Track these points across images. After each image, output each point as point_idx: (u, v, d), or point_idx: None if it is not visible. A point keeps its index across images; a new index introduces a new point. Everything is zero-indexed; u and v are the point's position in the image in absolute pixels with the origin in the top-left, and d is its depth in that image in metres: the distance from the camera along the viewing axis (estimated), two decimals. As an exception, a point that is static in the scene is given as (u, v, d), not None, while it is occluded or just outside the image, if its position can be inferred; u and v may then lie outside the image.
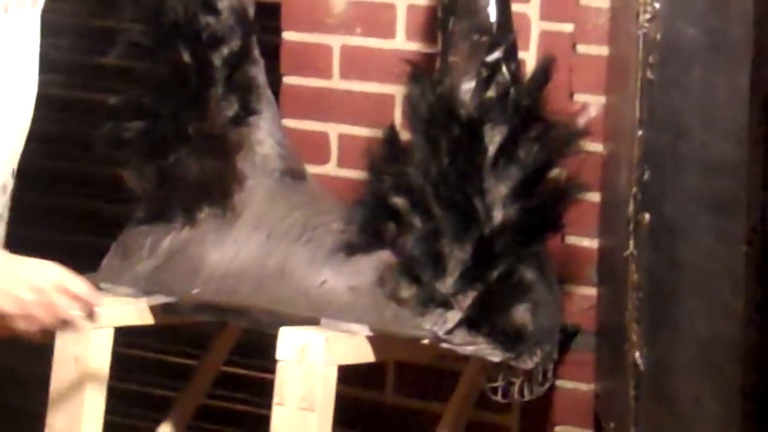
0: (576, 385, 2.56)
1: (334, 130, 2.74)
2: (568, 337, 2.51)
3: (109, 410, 2.35)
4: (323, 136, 2.75)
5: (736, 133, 1.90)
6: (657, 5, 2.06)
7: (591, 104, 2.49)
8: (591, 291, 2.55)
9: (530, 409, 2.54)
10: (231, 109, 2.47)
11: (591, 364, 2.54)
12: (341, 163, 2.73)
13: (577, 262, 2.55)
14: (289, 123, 2.72)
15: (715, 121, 1.95)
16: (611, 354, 2.40)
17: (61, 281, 1.79)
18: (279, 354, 2.14)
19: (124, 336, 2.43)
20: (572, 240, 2.55)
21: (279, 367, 2.14)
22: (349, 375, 2.33)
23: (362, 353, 2.23)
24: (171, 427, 2.64)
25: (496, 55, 2.31)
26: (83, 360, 2.27)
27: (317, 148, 2.74)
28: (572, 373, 2.55)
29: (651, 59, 2.06)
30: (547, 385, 2.38)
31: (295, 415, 2.12)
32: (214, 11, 2.46)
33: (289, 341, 2.14)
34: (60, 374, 2.29)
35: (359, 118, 2.68)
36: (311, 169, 2.67)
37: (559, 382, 2.55)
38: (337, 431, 2.23)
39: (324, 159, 2.75)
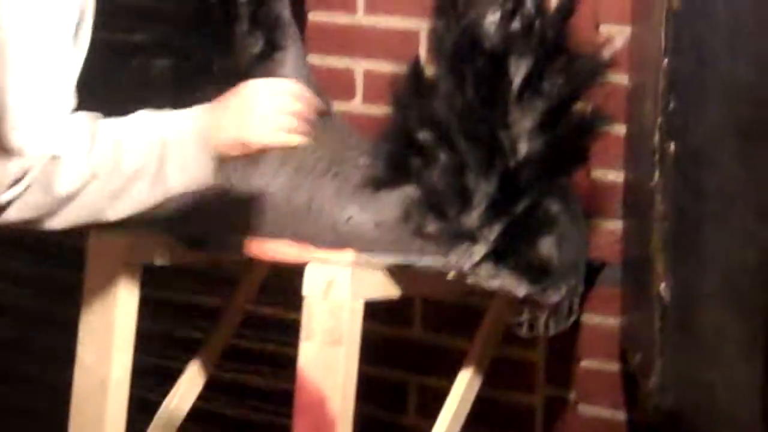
0: (602, 319, 2.57)
1: (359, 66, 2.75)
2: (593, 271, 2.51)
3: (138, 350, 2.37)
4: (349, 73, 2.75)
5: (761, 59, 1.88)
6: (682, -69, 2.05)
7: (616, 35, 2.48)
8: (616, 224, 2.55)
9: (556, 343, 2.56)
10: (256, 46, 2.45)
11: (617, 297, 2.55)
12: (367, 100, 2.73)
13: (602, 196, 2.56)
14: (315, 60, 2.72)
15: (740, 49, 1.94)
16: (636, 287, 2.40)
17: (277, 87, 2.06)
18: (305, 289, 2.15)
19: (153, 276, 2.45)
20: (597, 173, 2.55)
21: (305, 302, 2.15)
22: (375, 311, 2.36)
23: (388, 288, 2.24)
24: (200, 366, 2.65)
25: (521, -15, 2.31)
26: (112, 297, 2.28)
27: (343, 84, 2.74)
28: (598, 307, 2.56)
29: (676, -13, 2.05)
30: (573, 319, 2.39)
31: (322, 350, 2.13)
32: (237, -57, 2.45)
33: (316, 276, 2.15)
34: (90, 311, 2.30)
35: (384, 54, 2.68)
36: (337, 105, 2.66)
37: (585, 317, 2.56)
38: (363, 367, 2.25)
39: (350, 95, 2.75)
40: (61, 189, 1.85)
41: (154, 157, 1.93)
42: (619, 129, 2.48)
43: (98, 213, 1.91)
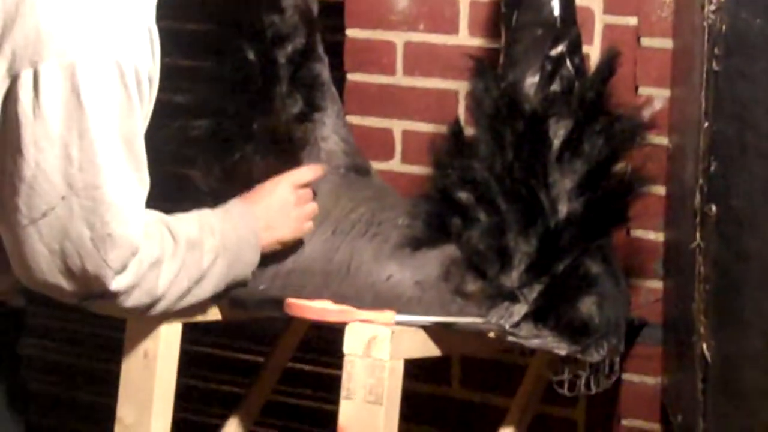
0: (643, 378, 2.56)
1: (398, 127, 2.75)
2: (634, 330, 2.50)
3: (178, 406, 2.36)
4: (388, 133, 2.76)
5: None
6: (723, -5, 2.05)
7: (656, 97, 2.48)
8: (657, 284, 2.54)
9: (597, 402, 2.54)
10: (296, 106, 2.47)
11: (658, 357, 2.54)
12: (405, 159, 2.74)
13: (642, 255, 2.55)
14: (354, 120, 2.73)
15: (782, 113, 1.94)
16: (678, 347, 2.39)
17: (295, 181, 2.29)
18: (346, 348, 2.13)
19: (193, 332, 2.45)
20: (638, 233, 2.54)
21: (346, 360, 2.13)
22: (415, 369, 2.35)
23: (428, 347, 2.22)
24: (239, 422, 2.65)
25: (560, 48, 2.31)
26: (152, 355, 2.27)
27: (382, 144, 2.75)
28: (639, 366, 2.55)
29: (716, 50, 2.04)
30: (614, 378, 2.37)
31: (362, 409, 2.11)
32: (279, 10, 2.46)
33: (356, 335, 2.13)
34: (130, 369, 2.29)
35: (423, 115, 2.70)
36: (376, 165, 2.68)
37: (626, 375, 2.55)
38: (403, 426, 2.24)
39: (388, 155, 2.76)
40: (159, 289, 2.04)
41: (216, 257, 2.13)
42: (660, 190, 2.47)
43: (177, 304, 2.10)
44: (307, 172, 2.33)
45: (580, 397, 2.47)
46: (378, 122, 2.76)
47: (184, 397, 2.44)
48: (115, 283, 1.95)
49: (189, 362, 2.49)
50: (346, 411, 2.14)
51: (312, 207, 2.30)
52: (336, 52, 2.73)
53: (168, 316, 2.17)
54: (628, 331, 2.43)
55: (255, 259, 2.21)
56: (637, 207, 2.39)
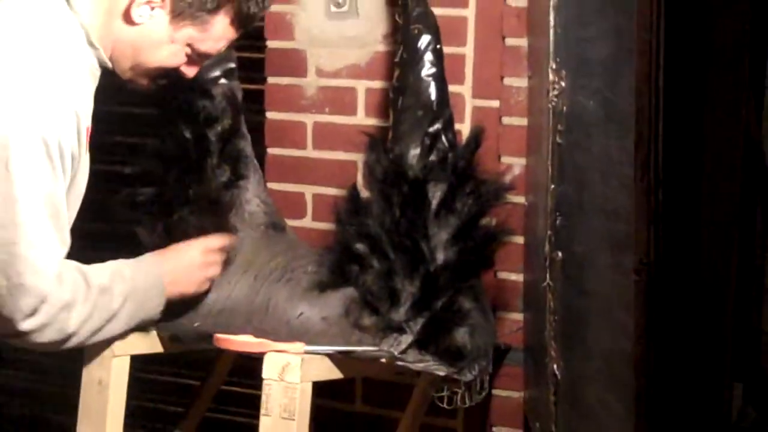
0: (508, 393, 2.55)
1: (309, 191, 2.73)
2: (500, 354, 2.49)
3: (128, 425, 2.31)
4: (300, 196, 2.73)
5: (626, 185, 1.88)
6: (563, 83, 2.06)
7: (514, 165, 2.48)
8: (518, 316, 2.54)
9: (472, 413, 2.52)
10: (224, 176, 2.43)
11: (520, 375, 2.53)
12: (315, 218, 2.71)
13: (506, 293, 2.54)
14: (273, 185, 2.70)
15: (610, 176, 1.94)
16: (535, 367, 2.38)
17: (205, 247, 2.21)
18: (264, 373, 2.10)
19: (140, 362, 2.39)
20: (502, 275, 2.54)
21: (264, 384, 2.09)
22: (324, 389, 2.31)
23: (333, 371, 2.19)
24: (181, 436, 2.60)
25: (437, 126, 2.29)
26: (105, 383, 2.22)
27: (296, 205, 2.72)
28: (505, 383, 2.54)
29: (559, 127, 2.05)
30: (485, 393, 2.34)
31: (279, 424, 2.07)
32: (210, 96, 2.43)
33: (273, 363, 2.09)
34: (87, 395, 2.24)
35: (329, 181, 2.67)
36: (291, 222, 2.64)
37: (495, 391, 2.54)
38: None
39: (301, 214, 2.73)
40: (70, 328, 1.98)
41: (125, 301, 2.07)
42: (519, 239, 2.47)
43: (89, 340, 2.05)
44: (217, 240, 2.26)
45: (458, 409, 2.45)
46: (293, 187, 2.73)
47: (133, 416, 2.38)
48: (26, 324, 1.92)
49: (138, 387, 2.42)
50: (266, 426, 2.10)
51: (215, 271, 2.24)
52: (258, 130, 2.70)
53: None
54: (496, 354, 2.42)
55: (161, 303, 2.14)
56: (501, 254, 2.39)
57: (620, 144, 1.87)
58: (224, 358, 2.62)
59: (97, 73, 2.04)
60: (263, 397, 2.10)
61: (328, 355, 2.17)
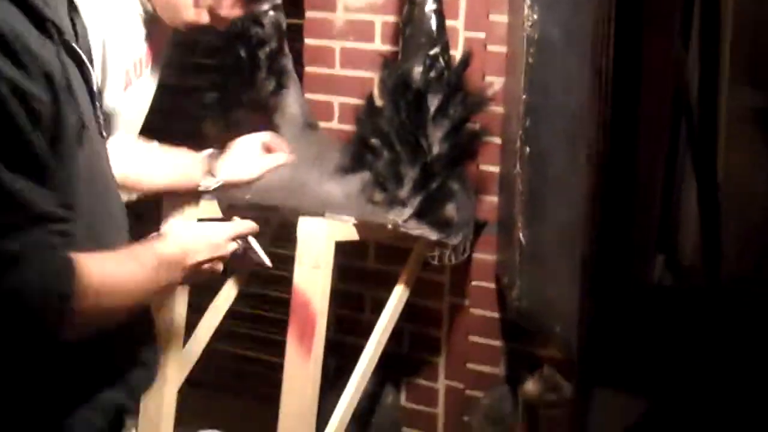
0: (484, 256, 2.55)
1: (336, 100, 2.69)
2: (479, 226, 2.49)
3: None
4: (330, 104, 2.70)
5: (582, 95, 1.87)
6: (535, 17, 2.03)
7: (495, 82, 2.45)
8: (494, 198, 2.52)
9: (456, 270, 2.53)
10: (271, 86, 2.39)
11: (494, 243, 2.53)
12: (340, 121, 2.68)
13: (486, 181, 2.53)
14: (309, 96, 2.65)
15: (570, 89, 1.93)
16: (506, 236, 2.39)
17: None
18: (299, 234, 2.11)
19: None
20: (483, 167, 2.52)
21: (299, 241, 2.11)
22: (345, 253, 2.32)
23: (351, 233, 2.21)
24: (231, 287, 2.53)
25: (436, 50, 2.25)
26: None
27: (326, 111, 2.69)
28: (482, 248, 2.54)
29: (531, 50, 2.03)
30: (466, 255, 2.37)
31: (308, 272, 2.09)
32: (260, 24, 2.38)
33: (305, 226, 2.11)
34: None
35: (352, 93, 2.62)
36: (322, 124, 2.61)
37: (475, 255, 2.53)
38: (337, 284, 2.21)
39: (330, 118, 2.69)
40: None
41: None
42: (497, 139, 2.45)
43: None
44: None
45: (446, 267, 2.46)
46: (324, 97, 2.69)
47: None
48: None
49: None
50: (299, 273, 2.11)
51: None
52: (298, 53, 2.65)
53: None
54: (476, 227, 2.43)
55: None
56: (482, 150, 2.38)
57: (578, 62, 1.85)
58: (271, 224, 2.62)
59: (144, 15, 1.91)
60: (297, 252, 2.11)
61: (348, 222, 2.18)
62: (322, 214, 2.18)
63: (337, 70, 2.67)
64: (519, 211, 2.11)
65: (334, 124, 2.69)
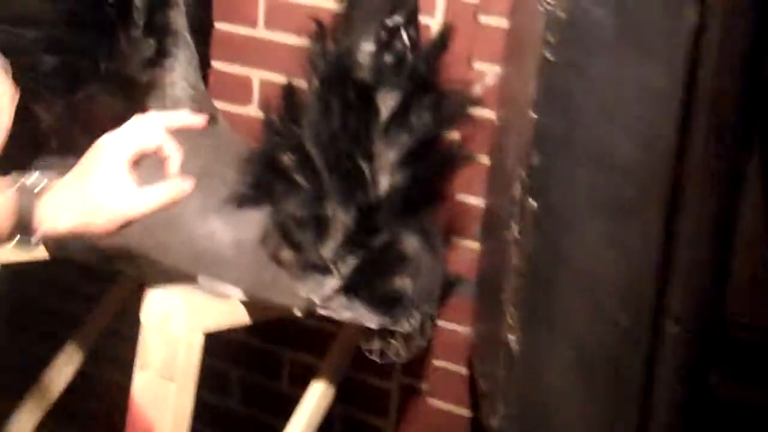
0: (454, 327, 1.74)
1: (257, 75, 1.86)
2: (450, 285, 1.67)
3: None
4: (248, 80, 1.87)
5: (640, 133, 1.02)
6: (564, -21, 1.15)
7: (487, 73, 1.60)
8: (474, 245, 1.70)
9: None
10: (148, 51, 1.59)
11: (469, 309, 1.72)
12: (261, 106, 1.85)
13: (464, 217, 1.70)
14: (218, 65, 1.84)
15: (617, 116, 1.07)
16: (488, 303, 1.56)
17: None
18: (143, 316, 1.28)
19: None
20: (461, 197, 1.69)
21: (142, 329, 1.28)
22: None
23: (235, 316, 1.37)
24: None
25: (397, 18, 1.42)
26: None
27: (242, 89, 1.87)
28: (452, 316, 1.73)
29: (551, 38, 1.16)
30: (425, 342, 1.53)
31: (155, 383, 1.27)
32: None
33: (154, 305, 1.27)
34: None
35: (280, 66, 1.79)
36: (235, 109, 1.83)
37: (441, 323, 1.73)
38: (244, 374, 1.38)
39: (246, 100, 1.87)
40: None
41: None
42: (484, 159, 1.62)
43: None
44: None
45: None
46: (239, 69, 1.86)
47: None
48: None
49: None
50: (141, 382, 1.30)
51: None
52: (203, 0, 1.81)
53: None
54: (445, 286, 1.60)
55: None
56: (462, 173, 1.55)
57: (637, 75, 1.00)
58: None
59: None
60: (139, 346, 1.28)
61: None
62: (193, 278, 1.34)
63: (260, 31, 1.83)
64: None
65: (252, 111, 1.87)
